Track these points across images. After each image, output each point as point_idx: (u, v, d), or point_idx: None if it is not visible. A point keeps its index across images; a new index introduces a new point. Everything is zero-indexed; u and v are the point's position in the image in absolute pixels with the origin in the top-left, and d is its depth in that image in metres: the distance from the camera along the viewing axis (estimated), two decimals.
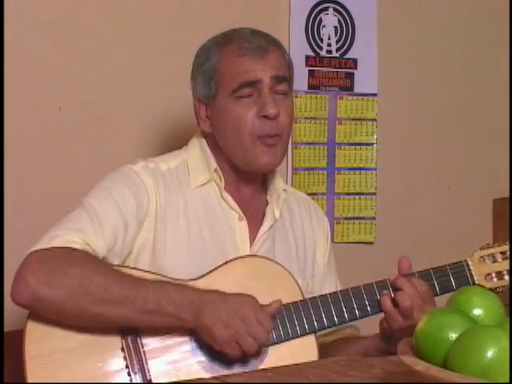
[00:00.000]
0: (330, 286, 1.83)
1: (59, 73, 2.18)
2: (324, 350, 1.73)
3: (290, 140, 2.49)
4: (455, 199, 2.80)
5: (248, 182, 1.78)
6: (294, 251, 1.80)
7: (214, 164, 1.74)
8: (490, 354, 0.95)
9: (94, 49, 2.22)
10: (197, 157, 1.77)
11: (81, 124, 2.21)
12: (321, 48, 2.56)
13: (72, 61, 2.19)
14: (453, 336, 1.02)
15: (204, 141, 1.78)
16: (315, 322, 1.61)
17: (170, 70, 2.30)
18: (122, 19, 2.26)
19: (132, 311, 1.50)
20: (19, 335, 1.51)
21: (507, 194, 2.67)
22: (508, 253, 1.68)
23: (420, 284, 1.61)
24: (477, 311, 1.09)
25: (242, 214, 1.74)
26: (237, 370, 1.54)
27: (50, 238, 1.55)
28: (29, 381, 1.48)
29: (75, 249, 1.54)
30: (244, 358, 1.54)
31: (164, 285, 1.53)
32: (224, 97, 1.71)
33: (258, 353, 1.54)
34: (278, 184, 1.82)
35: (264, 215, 1.78)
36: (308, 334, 1.61)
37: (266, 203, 1.80)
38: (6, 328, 1.70)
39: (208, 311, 1.50)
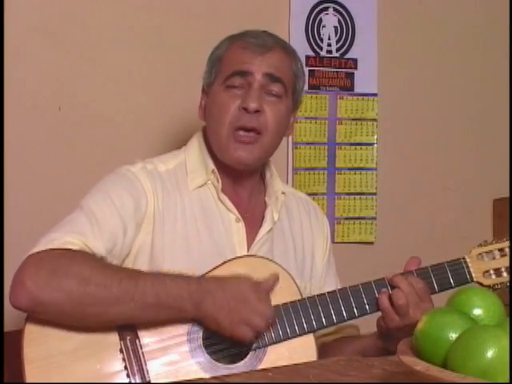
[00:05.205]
0: (330, 287, 1.81)
1: (59, 73, 2.18)
2: (324, 349, 1.73)
3: (290, 140, 2.52)
4: (455, 199, 2.80)
5: (244, 183, 1.77)
6: (291, 253, 1.80)
7: (211, 165, 1.74)
8: (490, 353, 0.95)
9: (94, 49, 2.22)
10: (195, 157, 1.77)
11: (81, 124, 2.21)
12: (321, 48, 2.56)
13: (72, 61, 2.19)
14: (453, 336, 1.02)
15: (203, 140, 1.78)
16: (314, 321, 1.61)
17: (170, 70, 2.30)
18: (123, 19, 2.26)
19: (132, 308, 1.49)
20: (19, 335, 1.51)
21: (507, 194, 2.67)
22: (506, 249, 1.66)
23: (416, 281, 1.60)
24: (477, 311, 1.09)
25: (239, 215, 1.73)
26: (236, 368, 1.55)
27: (47, 240, 1.54)
28: None
29: (73, 250, 1.53)
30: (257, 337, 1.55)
31: (160, 277, 1.53)
32: (218, 84, 1.73)
33: (269, 328, 1.56)
34: (277, 186, 1.81)
35: (263, 218, 1.77)
36: (307, 333, 1.60)
37: (265, 205, 1.79)
38: (6, 328, 1.70)
39: (208, 300, 1.51)
